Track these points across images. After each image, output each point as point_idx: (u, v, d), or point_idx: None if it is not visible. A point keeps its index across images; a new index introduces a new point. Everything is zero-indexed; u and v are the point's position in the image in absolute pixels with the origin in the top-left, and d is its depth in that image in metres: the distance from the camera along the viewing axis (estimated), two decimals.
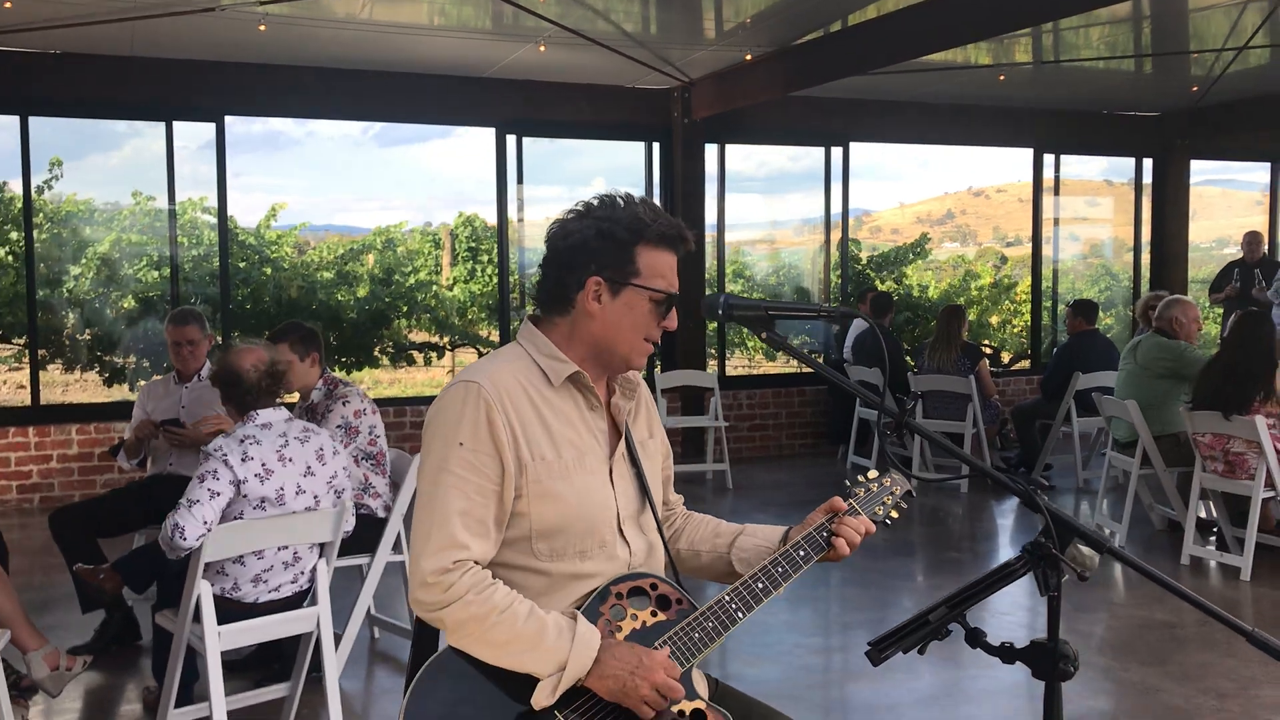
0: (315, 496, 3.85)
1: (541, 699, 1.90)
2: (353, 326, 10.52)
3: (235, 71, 8.27)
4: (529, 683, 1.92)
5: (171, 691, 3.78)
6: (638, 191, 8.86)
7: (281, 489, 3.76)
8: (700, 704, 2.01)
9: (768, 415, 10.12)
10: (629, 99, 9.53)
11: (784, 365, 12.93)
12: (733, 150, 10.19)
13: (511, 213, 9.38)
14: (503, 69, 8.68)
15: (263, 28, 7.07)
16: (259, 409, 3.83)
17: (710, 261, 10.26)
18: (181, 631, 3.69)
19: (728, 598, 2.05)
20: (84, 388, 11.34)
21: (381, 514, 4.72)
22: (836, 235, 10.54)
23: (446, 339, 11.58)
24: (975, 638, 1.84)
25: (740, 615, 2.04)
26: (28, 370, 8.46)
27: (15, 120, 7.96)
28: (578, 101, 9.35)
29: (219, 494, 3.64)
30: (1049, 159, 11.22)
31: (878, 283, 12.31)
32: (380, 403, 8.28)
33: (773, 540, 2.21)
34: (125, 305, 10.05)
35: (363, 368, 10.87)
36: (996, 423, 8.95)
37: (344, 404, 4.71)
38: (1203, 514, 6.73)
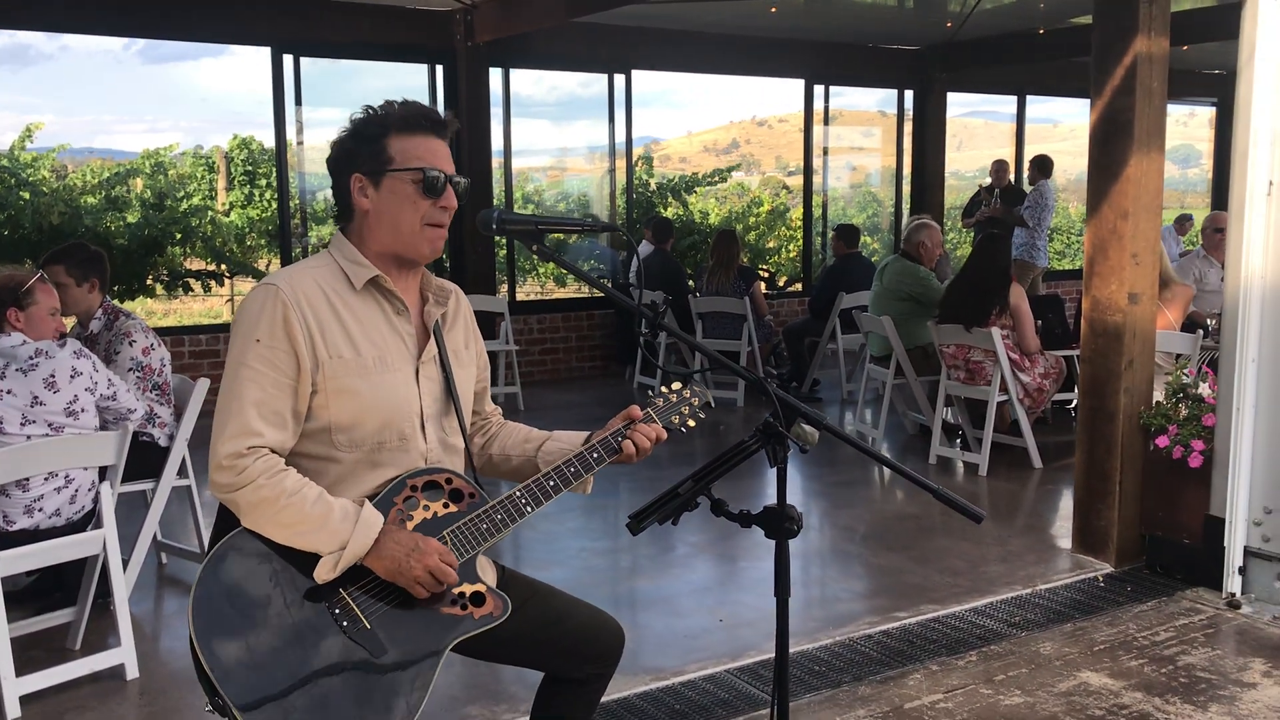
0: (50, 424, 3.80)
1: (323, 573, 2.07)
2: (124, 254, 10.07)
3: None
4: (316, 561, 2.08)
5: None
6: None
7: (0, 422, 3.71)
8: (480, 587, 2.22)
9: (558, 339, 10.37)
10: (411, 20, 9.42)
11: (573, 291, 13.18)
12: (522, 75, 10.25)
13: (291, 135, 9.18)
14: None
15: None
16: None
17: (498, 188, 10.32)
18: None
19: (518, 493, 2.24)
20: None
21: (164, 442, 4.69)
22: (624, 162, 10.79)
23: (224, 267, 11.24)
24: (719, 507, 2.11)
25: (528, 509, 2.24)
26: None
27: None
28: (358, 21, 9.18)
29: None
30: (819, 90, 11.77)
31: (661, 209, 12.66)
32: (158, 333, 8.01)
33: (575, 444, 2.39)
34: None
35: (136, 297, 10.44)
36: (770, 341, 9.48)
37: (130, 343, 4.62)
38: (951, 419, 7.42)
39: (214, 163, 13.13)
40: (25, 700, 3.68)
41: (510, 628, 2.35)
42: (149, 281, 10.43)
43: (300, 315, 2.12)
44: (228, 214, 12.34)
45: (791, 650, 4.07)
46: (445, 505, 2.22)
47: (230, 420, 2.09)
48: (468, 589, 2.20)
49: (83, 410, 3.87)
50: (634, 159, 12.65)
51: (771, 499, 2.05)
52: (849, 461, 7.09)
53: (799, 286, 12.78)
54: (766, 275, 13.76)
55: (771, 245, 14.24)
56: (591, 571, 5.09)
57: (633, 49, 10.45)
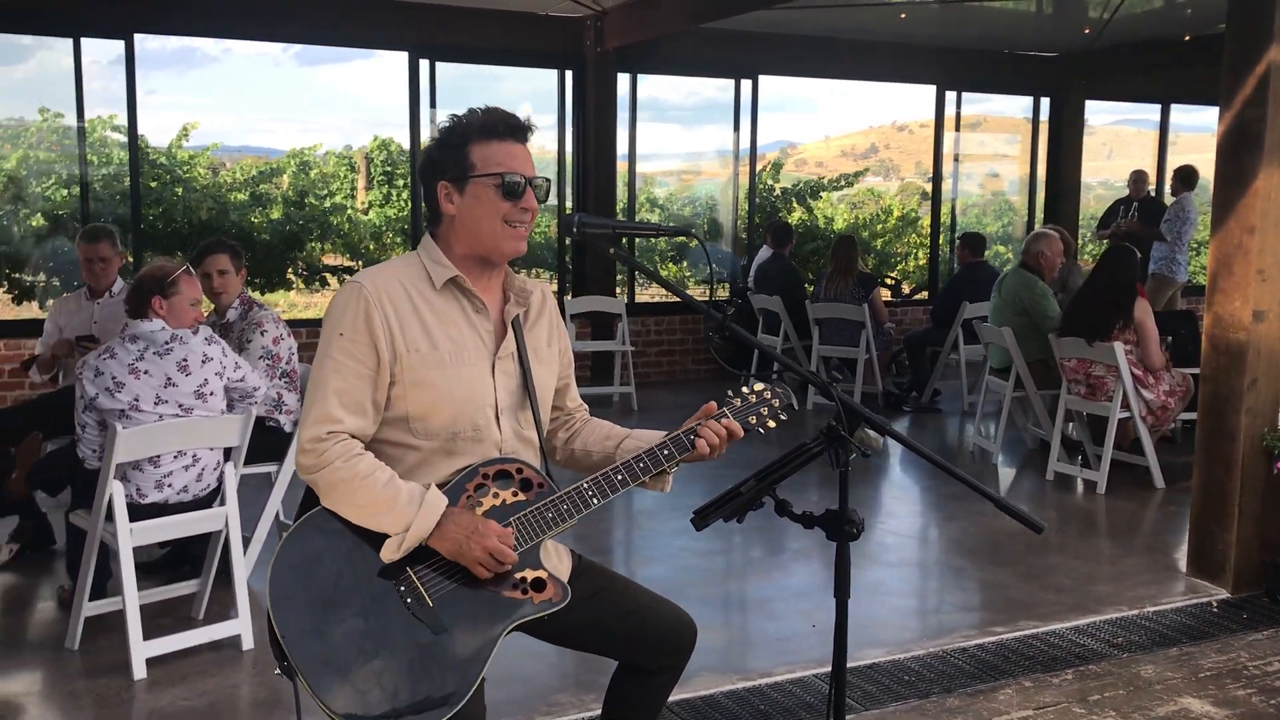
0: (181, 405, 4.04)
1: (388, 553, 2.20)
2: (265, 248, 10.56)
3: None
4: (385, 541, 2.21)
5: (85, 585, 4.01)
6: (550, 119, 8.91)
7: (135, 400, 3.97)
8: (542, 573, 2.31)
9: (674, 341, 10.46)
10: (542, 26, 9.64)
11: (694, 294, 13.25)
12: (659, 81, 10.39)
13: (425, 137, 9.49)
14: None
15: None
16: (134, 319, 4.05)
17: (622, 191, 10.47)
18: (95, 527, 3.91)
19: (586, 485, 2.33)
20: None
21: (289, 428, 4.94)
22: (749, 167, 10.82)
23: (360, 263, 11.66)
24: (783, 508, 2.16)
25: (595, 501, 2.32)
26: None
27: None
28: (492, 27, 9.44)
29: (85, 410, 3.93)
30: (951, 96, 11.59)
31: (785, 215, 12.63)
32: (294, 324, 8.41)
33: (653, 442, 2.45)
34: (34, 223, 9.96)
35: (275, 289, 10.92)
36: (889, 349, 9.39)
37: (261, 333, 4.89)
38: (1072, 435, 7.24)
39: (355, 163, 13.62)
40: (151, 662, 3.94)
41: (583, 616, 2.44)
42: (289, 275, 10.90)
43: (381, 311, 2.25)
44: (366, 212, 12.79)
45: (883, 659, 4.10)
46: (514, 494, 2.32)
47: (314, 407, 2.24)
48: (529, 574, 2.29)
49: (211, 394, 4.12)
50: (762, 164, 12.69)
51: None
52: (969, 473, 7.01)
53: (925, 295, 12.61)
54: (892, 282, 13.58)
55: (899, 251, 14.05)
56: (690, 571, 5.16)
57: (760, 54, 10.48)
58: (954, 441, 8.13)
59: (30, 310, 9.73)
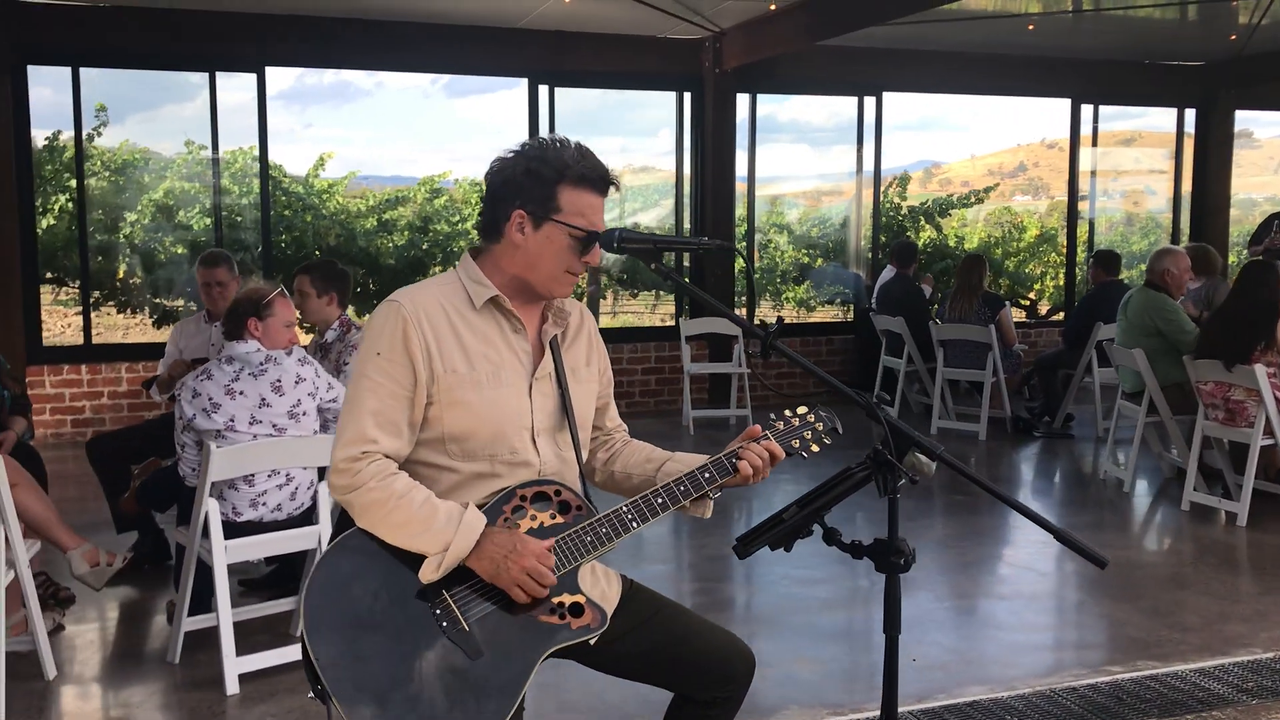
0: (275, 425, 4.11)
1: (427, 574, 2.15)
2: (391, 273, 10.82)
3: (273, 23, 8.54)
4: (423, 562, 2.17)
5: (184, 600, 4.11)
6: (668, 141, 8.93)
7: (231, 420, 4.05)
8: (580, 598, 2.24)
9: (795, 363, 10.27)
10: (660, 49, 9.66)
11: (819, 316, 13.04)
12: (788, 101, 10.30)
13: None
14: (534, 20, 8.85)
15: None
16: (230, 341, 4.14)
17: (741, 211, 10.38)
18: (192, 545, 4.01)
19: (625, 509, 2.26)
20: (142, 330, 11.81)
21: None
22: (882, 184, 10.62)
23: None
24: (831, 536, 2.05)
25: (634, 525, 2.25)
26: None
27: (67, 72, 8.32)
28: (609, 51, 9.50)
29: (183, 430, 4.03)
30: (1087, 110, 11.14)
31: (911, 234, 12.33)
32: None
33: (695, 465, 2.37)
34: (178, 250, 10.45)
35: None
36: (1019, 372, 9.03)
37: (355, 351, 4.98)
38: (1212, 463, 6.80)
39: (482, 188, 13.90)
40: (244, 678, 4.00)
41: (631, 644, 2.36)
42: None
43: (419, 331, 2.22)
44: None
45: (984, 697, 3.89)
46: (552, 516, 2.26)
47: (349, 427, 2.21)
48: (567, 599, 2.22)
49: (304, 414, 4.19)
50: (895, 182, 12.45)
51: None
52: (1100, 503, 6.67)
53: (1062, 315, 12.12)
54: (1028, 303, 13.11)
55: (1035, 271, 13.56)
56: (789, 599, 5.00)
57: (884, 71, 10.27)
58: (1087, 469, 7.75)
59: (169, 333, 10.19)
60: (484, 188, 2.37)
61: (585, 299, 12.89)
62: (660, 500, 2.27)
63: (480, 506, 2.24)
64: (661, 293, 12.36)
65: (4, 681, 3.65)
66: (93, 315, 8.95)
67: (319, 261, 5.22)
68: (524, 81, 9.46)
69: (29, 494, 4.26)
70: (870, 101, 10.40)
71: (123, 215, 10.94)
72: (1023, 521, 6.39)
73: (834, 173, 13.79)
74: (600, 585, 2.40)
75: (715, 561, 5.55)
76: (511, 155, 2.30)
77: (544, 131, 9.46)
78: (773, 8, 8.47)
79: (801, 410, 2.44)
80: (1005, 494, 1.98)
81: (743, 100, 9.99)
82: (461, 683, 2.12)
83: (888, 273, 9.69)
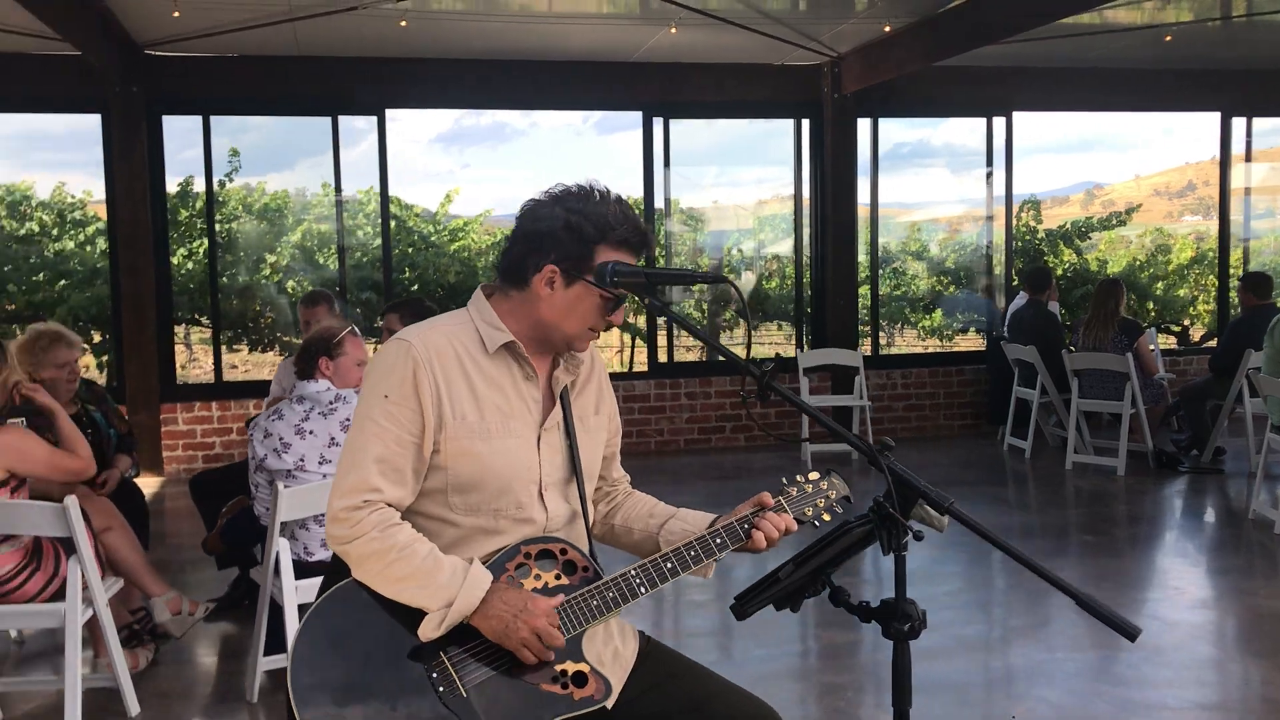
0: None
1: (428, 631, 2.02)
2: None
3: (391, 67, 8.74)
4: (421, 619, 2.04)
5: (259, 640, 4.12)
6: (788, 168, 8.80)
7: (301, 460, 4.03)
8: (584, 666, 2.09)
9: (924, 395, 9.90)
10: (778, 76, 9.49)
11: (947, 345, 12.58)
12: (921, 125, 10.11)
13: (658, 198, 9.52)
14: (647, 52, 8.81)
15: (404, 24, 7.45)
16: (302, 380, 4.14)
17: (865, 237, 10.09)
18: (265, 584, 4.02)
19: (633, 572, 2.11)
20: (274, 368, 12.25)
21: None
22: (1009, 207, 10.18)
23: None
24: (838, 597, 1.85)
25: (641, 590, 2.10)
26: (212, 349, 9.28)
27: (199, 120, 8.68)
28: (725, 81, 9.38)
29: (256, 470, 4.03)
30: (1239, 123, 10.46)
31: (1051, 259, 11.79)
32: None
33: (700, 526, 2.24)
34: (308, 288, 10.79)
35: None
36: (1162, 403, 8.46)
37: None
38: None
39: None
40: None
41: (647, 706, 2.21)
42: None
43: (430, 374, 2.10)
44: None
45: None
46: (557, 576, 2.13)
47: (350, 474, 2.09)
48: (570, 667, 2.09)
49: None
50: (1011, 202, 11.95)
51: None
52: (1249, 546, 6.16)
53: (1214, 342, 11.38)
54: (1178, 330, 12.36)
55: (1186, 295, 12.79)
56: (813, 656, 4.73)
57: (1013, 90, 9.86)
58: (1238, 507, 7.18)
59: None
60: (515, 228, 2.22)
61: (708, 327, 12.78)
62: (670, 565, 2.13)
63: (484, 562, 2.12)
64: (782, 324, 12.12)
65: (80, 716, 3.69)
66: (230, 353, 9.28)
67: (408, 299, 5.24)
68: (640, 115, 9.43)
69: (120, 538, 4.36)
70: (1000, 122, 9.99)
71: (264, 257, 11.37)
72: (1162, 566, 5.96)
73: (974, 197, 13.39)
74: (614, 643, 2.25)
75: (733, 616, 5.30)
76: (549, 203, 2.16)
77: (658, 163, 9.40)
78: (887, 29, 8.22)
79: (814, 476, 2.27)
80: (1021, 553, 1.75)
81: (864, 125, 9.73)
82: None
83: (1020, 299, 9.25)
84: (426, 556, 2.06)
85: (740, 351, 2.02)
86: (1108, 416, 8.68)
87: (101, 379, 9.91)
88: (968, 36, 7.81)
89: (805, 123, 9.72)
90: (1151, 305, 12.32)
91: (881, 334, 13.78)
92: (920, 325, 12.72)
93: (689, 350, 13.48)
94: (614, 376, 9.82)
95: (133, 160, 8.30)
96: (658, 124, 9.39)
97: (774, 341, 14.56)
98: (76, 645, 3.71)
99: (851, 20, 8.13)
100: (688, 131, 9.87)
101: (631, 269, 2.10)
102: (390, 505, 2.11)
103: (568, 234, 2.11)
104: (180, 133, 8.92)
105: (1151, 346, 9.03)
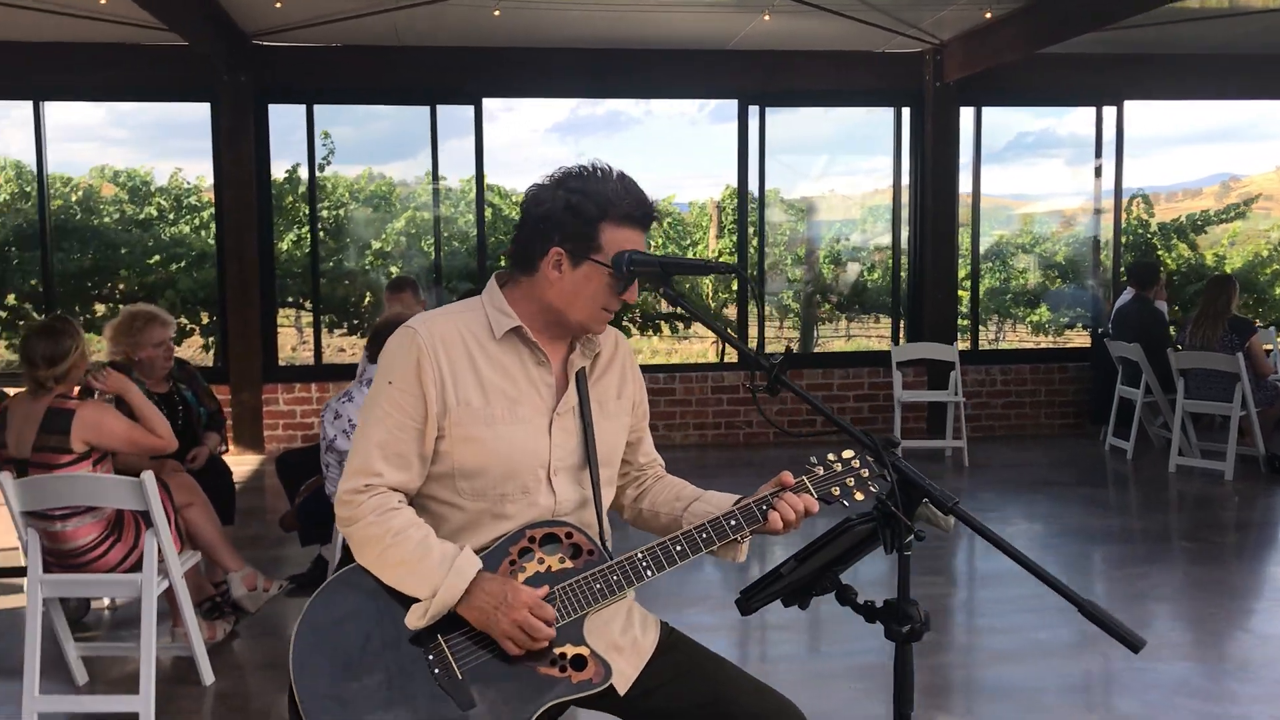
0: None
1: (412, 620, 2.04)
2: None
3: (486, 56, 8.83)
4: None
5: None
6: (886, 158, 8.61)
7: None
8: (584, 650, 2.07)
9: (1024, 392, 9.63)
10: (878, 64, 9.32)
11: (1059, 341, 12.21)
12: (1031, 114, 9.81)
13: (753, 187, 9.44)
14: (743, 40, 8.74)
15: (497, 13, 7.51)
16: (371, 364, 4.21)
17: (966, 226, 9.85)
18: (333, 562, 4.12)
19: (640, 555, 2.09)
20: None
21: None
22: (1118, 199, 9.83)
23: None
24: (844, 595, 1.81)
25: (648, 574, 2.08)
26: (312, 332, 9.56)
27: (302, 109, 8.91)
28: (824, 69, 9.25)
29: (326, 450, 4.10)
30: None
31: (1164, 253, 11.34)
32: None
33: (724, 508, 2.19)
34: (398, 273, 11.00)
35: (629, 336, 11.27)
36: (1275, 406, 8.07)
37: None
38: None
39: (710, 212, 13.91)
40: None
41: (664, 699, 2.20)
42: (624, 324, 11.17)
43: (434, 361, 2.12)
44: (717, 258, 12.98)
45: None
46: (561, 560, 2.12)
47: (355, 458, 2.14)
48: (570, 650, 2.07)
49: None
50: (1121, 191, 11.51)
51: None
52: None
53: None
54: None
55: None
56: (1036, 645, 4.60)
57: (1124, 78, 9.50)
58: None
59: None
60: (520, 214, 2.24)
61: (803, 318, 12.64)
62: (680, 548, 2.09)
63: (486, 548, 2.13)
64: (880, 316, 11.91)
65: (154, 683, 3.83)
66: (335, 337, 9.52)
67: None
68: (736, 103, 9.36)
69: (200, 514, 4.50)
70: (1110, 111, 9.64)
71: (369, 243, 11.64)
72: (1267, 576, 5.71)
73: (1089, 190, 13.00)
74: (634, 631, 2.23)
75: (952, 596, 5.20)
76: (551, 186, 2.16)
77: (753, 152, 9.32)
78: (988, 16, 7.99)
79: (847, 454, 2.18)
80: (1028, 559, 1.68)
81: (966, 115, 9.49)
82: None
83: (1126, 295, 8.91)
84: (419, 543, 2.07)
85: (777, 345, 1.98)
86: (1218, 419, 8.32)
87: (208, 359, 10.27)
88: (1072, 22, 7.55)
89: (906, 111, 9.53)
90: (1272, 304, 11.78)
91: (988, 328, 13.49)
92: (1027, 320, 12.38)
93: (779, 341, 13.36)
94: (702, 367, 9.79)
95: (239, 147, 8.56)
96: (753, 112, 9.31)
97: (875, 335, 14.35)
98: (151, 614, 3.85)
99: (952, 7, 7.92)
100: (793, 121, 9.76)
101: (647, 258, 2.08)
102: (394, 490, 2.14)
103: (570, 215, 2.11)
104: (291, 120, 9.16)
105: (1269, 347, 8.64)
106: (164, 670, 4.32)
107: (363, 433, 2.16)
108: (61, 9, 7.22)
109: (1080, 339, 11.81)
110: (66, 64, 8.47)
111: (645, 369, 8.70)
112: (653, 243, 12.23)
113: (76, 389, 4.14)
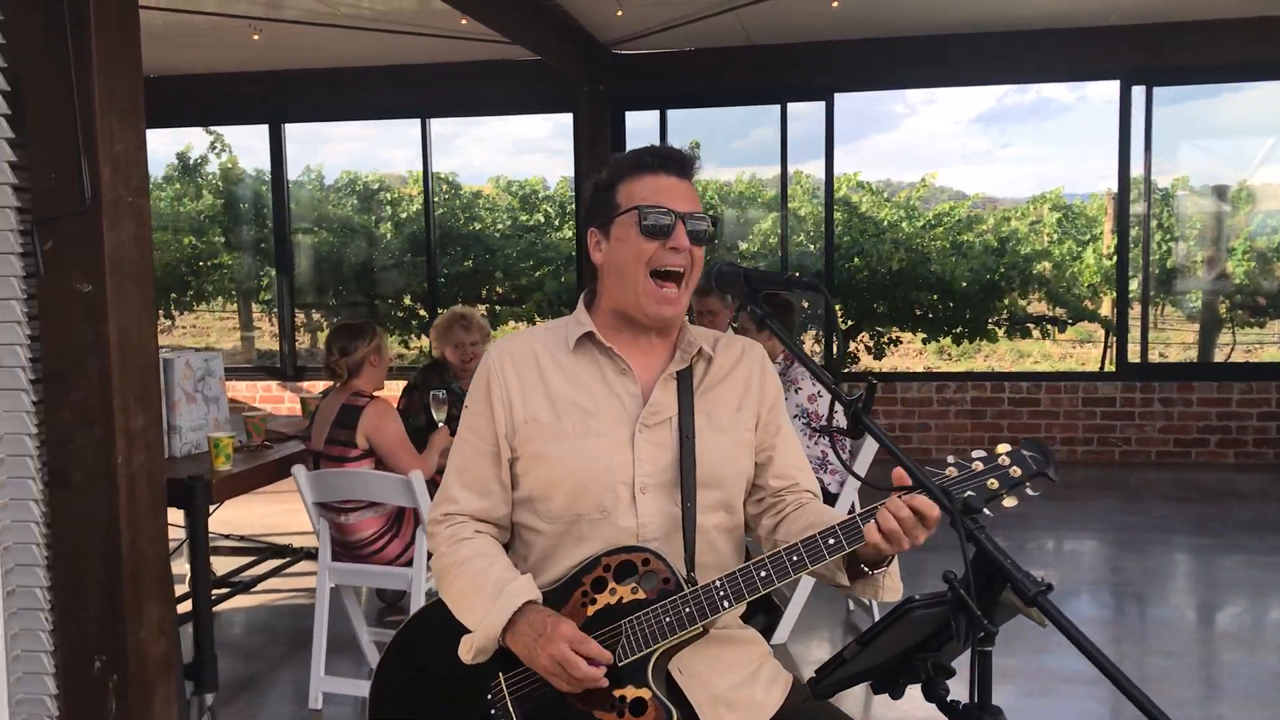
0: None
1: (462, 653, 1.92)
2: (962, 297, 10.20)
3: (840, 49, 8.54)
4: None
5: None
6: None
7: None
8: (645, 693, 1.84)
9: None
10: None
11: None
12: None
13: (1136, 169, 8.47)
14: (1126, 14, 7.84)
15: (835, 4, 7.23)
16: None
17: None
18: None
19: (718, 583, 1.83)
20: None
21: (834, 488, 4.73)
22: None
23: (1063, 312, 10.74)
24: (931, 690, 1.46)
25: (725, 604, 1.81)
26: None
27: (655, 115, 9.10)
28: (1219, 42, 8.08)
29: None
30: None
31: None
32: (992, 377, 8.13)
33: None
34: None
35: (974, 339, 10.46)
36: None
37: (796, 390, 4.77)
38: None
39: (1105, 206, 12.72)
40: None
41: None
42: (989, 325, 10.35)
43: (502, 381, 2.04)
44: (1110, 257, 11.77)
45: None
46: (634, 590, 1.89)
47: (441, 486, 2.11)
48: (630, 693, 1.84)
49: None
50: None
51: None
52: None
53: None
54: None
55: None
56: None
57: None
58: None
59: None
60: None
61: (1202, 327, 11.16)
62: (764, 574, 1.80)
63: (561, 578, 1.97)
64: None
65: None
66: None
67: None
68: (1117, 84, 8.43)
69: None
70: None
71: (736, 244, 11.72)
72: None
73: None
74: (753, 688, 1.97)
75: (1184, 654, 4.42)
76: (589, 189, 2.12)
77: (1136, 139, 8.35)
78: None
79: (1001, 449, 1.74)
80: (1123, 680, 1.25)
81: None
82: None
83: None
84: (479, 573, 1.97)
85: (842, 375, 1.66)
86: None
87: None
88: None
89: None
90: None
91: None
92: None
93: (1166, 348, 11.90)
94: (1079, 376, 8.92)
95: (596, 156, 8.88)
96: (1137, 93, 8.34)
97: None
98: (420, 607, 4.01)
99: None
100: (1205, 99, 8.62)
101: (732, 268, 1.89)
102: (472, 517, 2.06)
103: (594, 197, 2.08)
104: (646, 125, 9.36)
105: None
106: None
107: (449, 459, 2.12)
108: (436, 31, 7.78)
109: None
110: (446, 82, 9.16)
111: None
112: (1045, 235, 11.48)
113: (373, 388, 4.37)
